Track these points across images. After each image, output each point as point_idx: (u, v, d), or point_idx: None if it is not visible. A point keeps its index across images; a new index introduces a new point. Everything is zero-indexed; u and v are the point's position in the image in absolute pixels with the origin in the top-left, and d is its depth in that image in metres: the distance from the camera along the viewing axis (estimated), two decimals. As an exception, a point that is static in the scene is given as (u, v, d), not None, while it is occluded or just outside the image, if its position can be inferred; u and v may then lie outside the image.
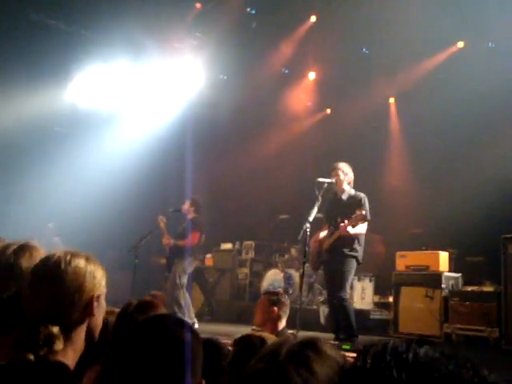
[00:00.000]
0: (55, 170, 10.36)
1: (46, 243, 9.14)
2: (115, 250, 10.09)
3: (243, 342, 2.27)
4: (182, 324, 1.58)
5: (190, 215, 8.16)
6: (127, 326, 1.97)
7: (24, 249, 2.45)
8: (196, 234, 8.02)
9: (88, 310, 1.77)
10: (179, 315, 7.36)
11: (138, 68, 10.71)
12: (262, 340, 2.21)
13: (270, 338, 2.26)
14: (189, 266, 8.00)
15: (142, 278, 7.54)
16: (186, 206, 8.21)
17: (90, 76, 10.71)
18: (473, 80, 8.84)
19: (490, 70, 8.67)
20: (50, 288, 1.74)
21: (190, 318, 7.78)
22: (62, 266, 1.76)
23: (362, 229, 6.04)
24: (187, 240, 7.93)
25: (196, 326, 7.90)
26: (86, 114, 10.61)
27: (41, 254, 2.47)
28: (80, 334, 1.77)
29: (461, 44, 9.58)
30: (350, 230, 5.89)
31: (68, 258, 1.79)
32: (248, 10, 9.88)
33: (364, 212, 5.82)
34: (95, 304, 1.78)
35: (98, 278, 1.82)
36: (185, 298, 7.77)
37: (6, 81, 9.10)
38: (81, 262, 1.80)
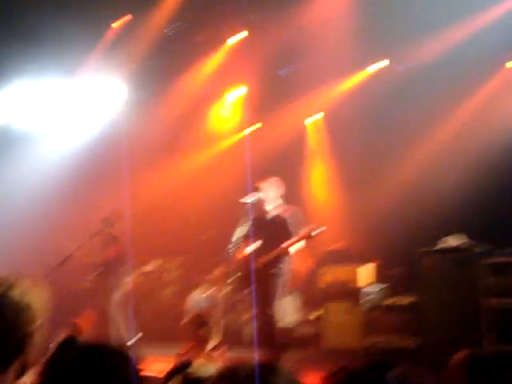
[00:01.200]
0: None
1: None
2: (36, 273, 9.66)
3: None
4: (119, 356, 1.56)
5: (105, 233, 8.09)
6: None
7: None
8: (118, 245, 7.97)
9: (22, 348, 1.66)
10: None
11: (56, 85, 10.40)
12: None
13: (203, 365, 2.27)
14: (120, 279, 7.88)
15: (64, 305, 7.25)
16: (101, 226, 8.15)
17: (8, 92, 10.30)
18: (391, 97, 9.26)
19: (407, 88, 9.12)
20: None
21: (127, 338, 7.63)
22: None
23: (299, 247, 6.10)
24: (112, 253, 7.84)
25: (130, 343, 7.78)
26: (4, 132, 10.17)
27: None
28: (14, 373, 1.66)
29: (383, 63, 9.96)
30: (291, 250, 5.96)
31: (1, 291, 1.66)
32: (165, 31, 9.81)
33: (308, 231, 5.88)
34: (29, 341, 1.67)
35: (36, 312, 1.69)
36: (119, 316, 7.60)
37: None
38: (17, 296, 1.66)
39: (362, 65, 10.09)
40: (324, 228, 5.96)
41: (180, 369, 2.37)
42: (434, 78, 8.78)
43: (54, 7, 8.58)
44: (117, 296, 7.76)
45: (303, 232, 5.96)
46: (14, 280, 1.73)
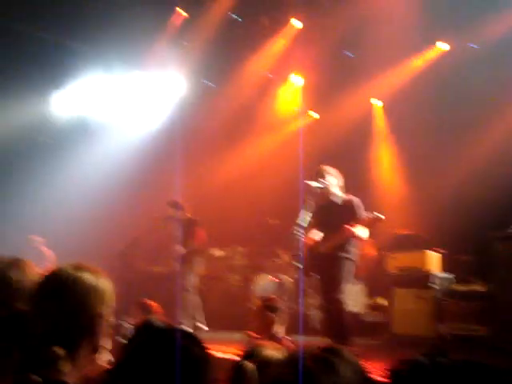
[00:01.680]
0: (39, 181, 10.30)
1: (34, 255, 9.12)
2: (102, 259, 10.01)
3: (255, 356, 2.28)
4: (192, 339, 1.60)
5: (183, 216, 8.11)
6: None
7: (14, 265, 2.40)
8: (200, 230, 7.95)
9: (92, 329, 1.74)
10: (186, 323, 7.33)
11: (122, 78, 10.70)
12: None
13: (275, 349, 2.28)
14: (201, 265, 7.93)
15: (131, 286, 7.46)
16: (172, 210, 8.16)
17: (75, 87, 10.68)
18: (457, 81, 8.96)
19: (473, 70, 8.79)
20: (53, 307, 1.70)
21: (201, 322, 7.72)
22: (67, 283, 1.72)
23: (365, 232, 6.02)
24: (196, 239, 7.86)
25: (206, 328, 7.86)
26: (72, 125, 10.57)
27: (32, 269, 2.43)
28: (84, 353, 1.75)
29: (443, 45, 9.69)
30: (358, 232, 5.89)
31: (73, 273, 1.74)
32: (233, 15, 9.90)
33: (378, 215, 5.81)
34: (99, 322, 1.75)
35: (104, 295, 1.77)
36: (194, 302, 7.69)
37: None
38: (87, 278, 1.75)
39: (423, 48, 9.82)
40: (383, 217, 5.86)
41: (251, 351, 2.38)
42: (498, 61, 8.42)
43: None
44: (194, 280, 7.82)
45: (367, 217, 5.88)
46: (83, 265, 1.80)
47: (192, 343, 1.63)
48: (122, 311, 2.78)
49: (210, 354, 1.70)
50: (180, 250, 7.96)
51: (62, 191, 10.37)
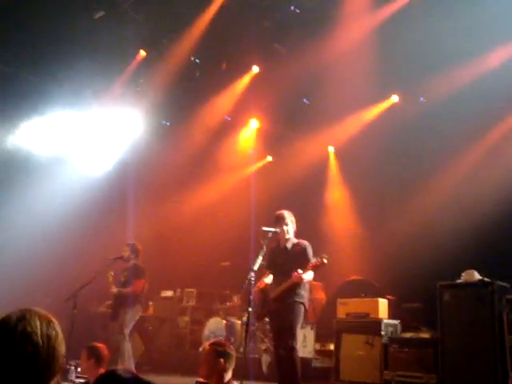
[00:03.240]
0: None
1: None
2: (50, 299, 9.71)
3: None
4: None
5: (131, 262, 8.06)
6: None
7: None
8: (140, 281, 7.93)
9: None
10: (123, 367, 7.16)
11: (79, 115, 10.62)
12: None
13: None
14: (135, 314, 7.86)
15: (81, 328, 7.27)
16: (126, 252, 8.10)
17: (28, 121, 10.52)
18: (407, 130, 9.30)
19: (420, 122, 9.17)
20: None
21: (131, 368, 7.55)
22: (15, 336, 1.64)
23: (310, 276, 6.11)
24: (132, 288, 7.82)
25: None
26: (20, 160, 10.33)
27: None
28: None
29: (395, 98, 10.08)
30: (304, 277, 5.96)
31: (21, 325, 1.67)
32: (192, 59, 10.04)
33: (320, 259, 5.91)
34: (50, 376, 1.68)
35: (56, 346, 1.70)
36: (128, 349, 7.59)
37: None
38: (37, 330, 1.68)
39: (374, 100, 10.20)
40: (326, 261, 5.99)
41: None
42: (445, 115, 8.82)
43: (78, 38, 8.81)
44: (128, 330, 7.75)
45: (314, 262, 5.98)
46: (31, 311, 1.74)
47: None
48: (69, 354, 2.70)
49: None
50: (115, 292, 7.88)
51: (8, 230, 10.07)
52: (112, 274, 7.94)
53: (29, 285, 8.84)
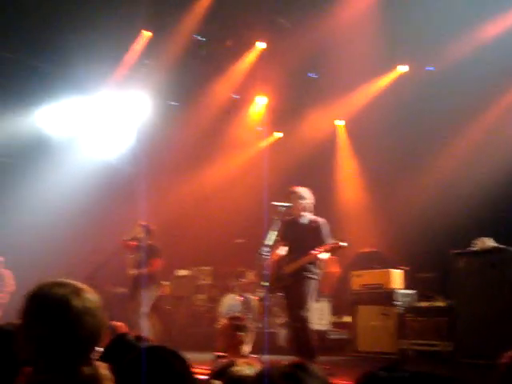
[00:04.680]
0: (3, 201, 10.13)
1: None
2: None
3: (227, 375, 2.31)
4: (177, 356, 1.64)
5: (146, 242, 8.14)
6: None
7: None
8: (156, 260, 8.03)
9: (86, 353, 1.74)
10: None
11: (88, 99, 10.65)
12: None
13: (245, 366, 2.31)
14: (152, 294, 7.98)
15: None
16: (140, 233, 8.18)
17: (39, 107, 10.58)
18: (416, 101, 9.23)
19: (430, 91, 9.08)
20: (44, 331, 1.70)
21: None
22: (59, 304, 1.72)
23: (326, 256, 6.18)
24: (149, 268, 7.91)
25: None
26: (34, 145, 10.42)
27: None
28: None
29: (403, 68, 9.99)
30: (320, 256, 6.03)
31: (62, 294, 1.74)
32: (197, 37, 9.99)
33: (337, 242, 5.97)
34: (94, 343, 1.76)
35: (97, 314, 1.77)
36: (147, 328, 7.70)
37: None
38: (79, 299, 1.75)
39: (382, 71, 10.11)
40: (347, 244, 6.06)
41: (224, 369, 2.41)
42: (456, 82, 8.72)
43: (81, 24, 8.82)
44: (146, 305, 7.87)
45: (332, 243, 6.04)
46: (66, 282, 1.79)
47: (176, 360, 1.67)
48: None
49: (193, 371, 1.74)
50: (133, 272, 8.01)
51: (24, 212, 10.21)
52: (129, 255, 8.06)
53: (46, 266, 8.98)
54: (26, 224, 10.12)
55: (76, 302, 1.69)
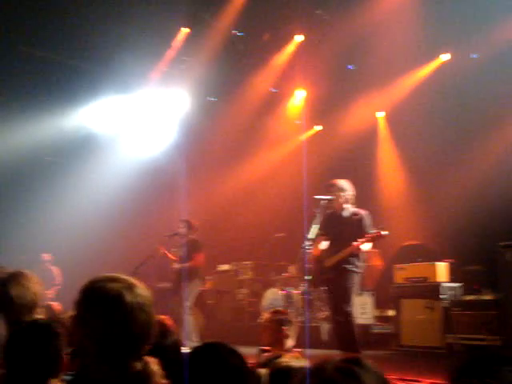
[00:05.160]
0: (50, 199, 10.37)
1: (41, 273, 9.13)
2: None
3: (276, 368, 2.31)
4: (235, 353, 1.66)
5: (188, 237, 8.22)
6: None
7: (13, 277, 2.41)
8: (200, 254, 8.12)
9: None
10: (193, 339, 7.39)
11: (130, 97, 10.81)
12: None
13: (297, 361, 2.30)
14: (195, 288, 8.07)
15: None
16: (182, 228, 8.26)
17: (83, 106, 10.80)
18: (459, 90, 9.02)
19: (474, 80, 8.85)
20: (99, 324, 1.75)
21: (196, 341, 7.75)
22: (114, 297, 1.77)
23: (368, 246, 6.11)
24: (192, 262, 8.00)
25: None
26: (80, 144, 10.64)
27: (32, 282, 2.45)
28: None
29: (445, 56, 9.77)
30: (362, 247, 5.97)
31: (117, 288, 1.79)
32: (235, 32, 10.00)
33: (378, 231, 5.90)
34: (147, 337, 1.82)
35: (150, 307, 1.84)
36: (191, 322, 7.79)
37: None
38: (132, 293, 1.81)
39: (425, 59, 9.90)
40: (388, 233, 5.96)
41: (270, 361, 2.41)
42: (500, 71, 8.47)
43: (123, 24, 8.95)
44: (190, 300, 7.95)
45: (373, 233, 5.96)
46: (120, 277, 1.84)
47: (235, 357, 1.70)
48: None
49: (251, 367, 1.76)
50: (177, 267, 8.11)
51: (70, 210, 10.43)
52: (173, 250, 8.16)
53: (92, 262, 9.16)
54: (73, 221, 10.35)
55: (129, 298, 1.70)
